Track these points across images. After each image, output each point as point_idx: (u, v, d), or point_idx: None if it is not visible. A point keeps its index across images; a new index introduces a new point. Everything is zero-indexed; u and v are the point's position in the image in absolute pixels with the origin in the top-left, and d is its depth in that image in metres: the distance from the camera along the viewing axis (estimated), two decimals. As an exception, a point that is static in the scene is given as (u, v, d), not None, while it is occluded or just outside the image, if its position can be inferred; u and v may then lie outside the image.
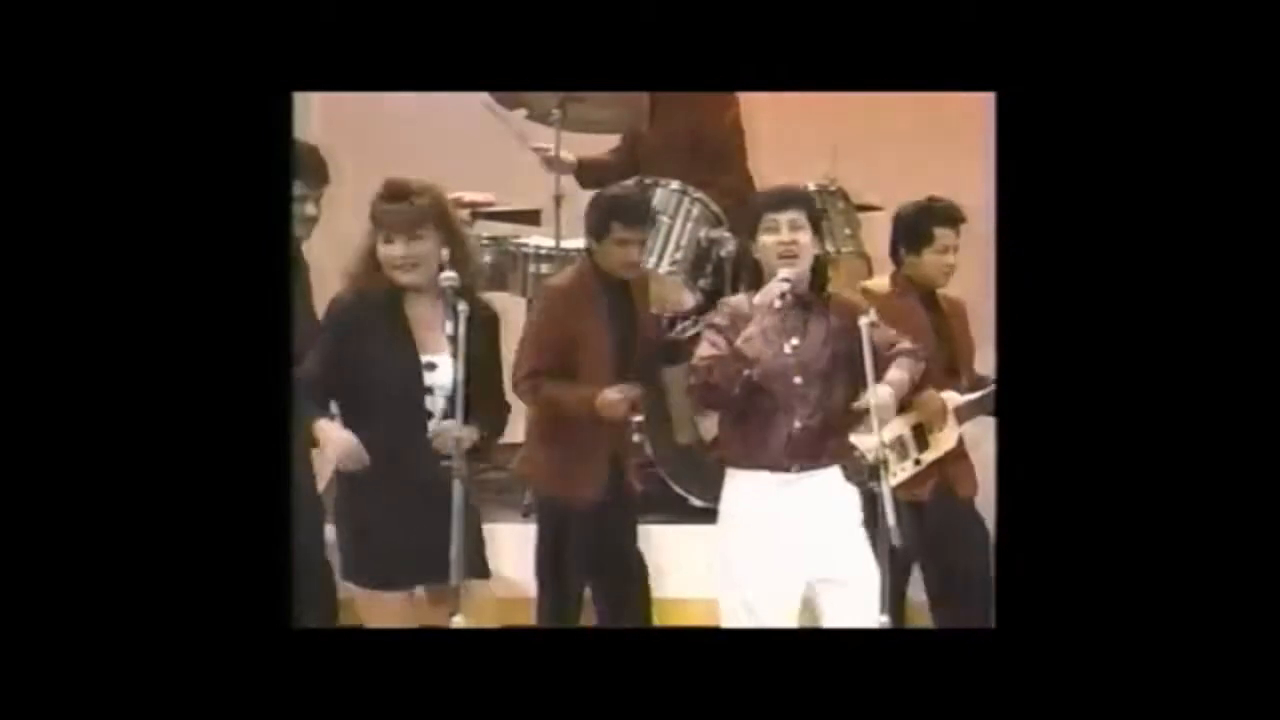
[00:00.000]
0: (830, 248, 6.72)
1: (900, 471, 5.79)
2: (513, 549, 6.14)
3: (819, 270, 5.13)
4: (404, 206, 4.92)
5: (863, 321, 4.92)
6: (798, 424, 4.99)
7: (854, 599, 4.88)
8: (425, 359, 4.94)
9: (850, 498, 5.03)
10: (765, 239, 5.06)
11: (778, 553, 4.92)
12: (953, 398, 5.82)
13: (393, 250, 4.92)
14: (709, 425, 6.03)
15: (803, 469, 4.98)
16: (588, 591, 6.00)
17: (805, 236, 5.06)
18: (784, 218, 5.05)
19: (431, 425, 4.88)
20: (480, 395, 4.93)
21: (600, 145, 7.22)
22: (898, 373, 5.10)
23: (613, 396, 5.70)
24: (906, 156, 7.47)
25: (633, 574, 5.99)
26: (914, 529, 5.65)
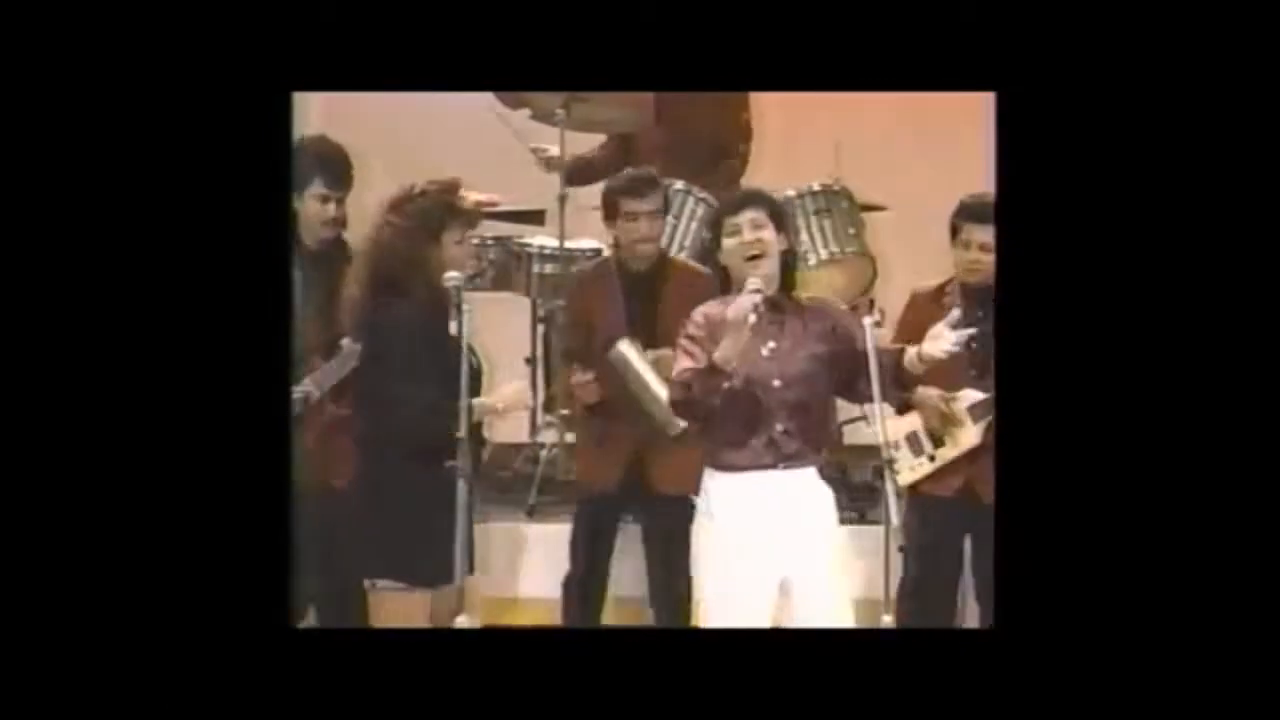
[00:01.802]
0: (835, 248, 6.73)
1: (917, 467, 5.78)
2: (511, 549, 6.20)
3: (788, 270, 5.06)
4: (470, 204, 4.97)
5: (866, 321, 4.90)
6: (779, 426, 4.95)
7: (824, 598, 4.88)
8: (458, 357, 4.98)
9: (826, 496, 5.01)
10: (729, 243, 5.01)
11: (754, 551, 4.91)
12: (969, 395, 5.80)
13: (465, 250, 4.98)
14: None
15: (789, 467, 4.96)
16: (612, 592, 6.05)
17: (769, 234, 4.99)
18: (744, 219, 4.99)
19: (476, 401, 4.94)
20: None
21: (594, 143, 7.24)
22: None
23: (578, 379, 5.82)
24: (909, 156, 7.48)
25: (672, 572, 6.00)
26: (925, 528, 5.66)
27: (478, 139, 6.99)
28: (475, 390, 5.09)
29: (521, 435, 7.02)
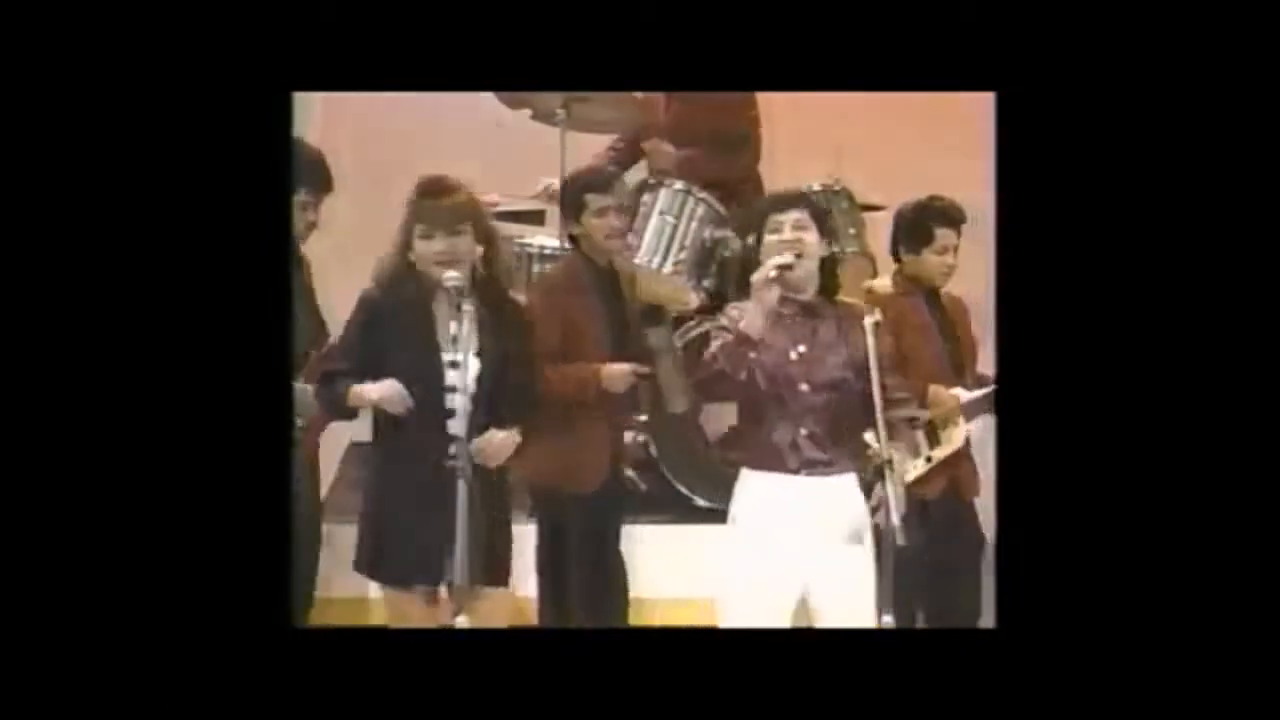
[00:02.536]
0: (835, 247, 6.73)
1: (912, 469, 5.79)
2: (517, 549, 6.17)
3: (826, 274, 5.06)
4: (445, 202, 4.95)
5: (867, 321, 4.89)
6: (804, 431, 4.93)
7: (849, 605, 4.87)
8: (447, 358, 4.94)
9: (858, 505, 5.00)
10: (770, 239, 5.02)
11: (779, 555, 4.89)
12: (961, 395, 5.83)
13: (433, 246, 4.95)
14: (722, 416, 6.01)
15: (813, 474, 4.93)
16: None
17: (810, 236, 5.00)
18: (787, 218, 5.00)
19: (476, 440, 4.89)
20: (516, 391, 5.03)
21: (602, 144, 7.22)
22: None
23: (618, 369, 5.78)
24: (909, 156, 7.48)
25: (611, 572, 5.98)
26: (920, 528, 5.66)
27: (477, 139, 6.98)
28: None
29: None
